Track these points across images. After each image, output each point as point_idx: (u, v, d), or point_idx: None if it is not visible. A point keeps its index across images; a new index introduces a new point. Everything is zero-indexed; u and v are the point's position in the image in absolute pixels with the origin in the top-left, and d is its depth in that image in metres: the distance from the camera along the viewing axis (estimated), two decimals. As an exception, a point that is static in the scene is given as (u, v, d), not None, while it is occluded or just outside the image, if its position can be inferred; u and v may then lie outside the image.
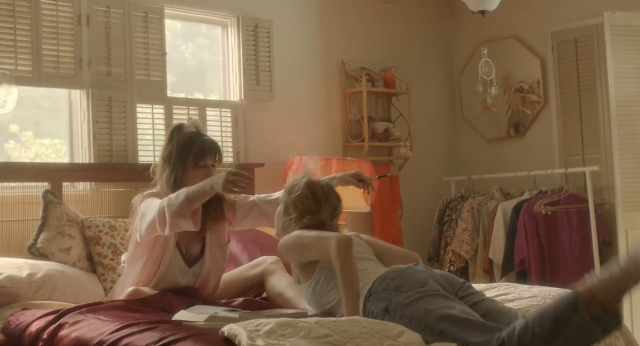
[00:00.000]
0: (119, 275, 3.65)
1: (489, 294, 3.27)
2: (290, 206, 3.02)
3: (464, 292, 2.70)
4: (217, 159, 3.45)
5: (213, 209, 3.39)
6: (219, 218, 3.45)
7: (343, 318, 2.38)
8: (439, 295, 2.57)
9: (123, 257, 3.64)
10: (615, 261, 2.27)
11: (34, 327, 2.96)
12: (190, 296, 3.30)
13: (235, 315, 2.83)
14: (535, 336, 2.29)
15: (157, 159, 4.46)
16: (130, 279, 3.39)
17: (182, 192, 3.14)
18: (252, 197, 3.58)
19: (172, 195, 3.16)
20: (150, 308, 3.08)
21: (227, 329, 2.31)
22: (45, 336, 2.88)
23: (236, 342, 2.23)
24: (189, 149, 3.39)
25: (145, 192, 3.41)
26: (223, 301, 3.36)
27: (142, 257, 3.36)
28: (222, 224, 3.48)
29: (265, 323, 2.31)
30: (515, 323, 2.38)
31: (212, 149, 3.43)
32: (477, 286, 3.65)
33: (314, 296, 2.90)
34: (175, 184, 3.34)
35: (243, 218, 3.57)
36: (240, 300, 3.29)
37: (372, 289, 2.68)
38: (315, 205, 2.98)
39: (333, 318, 2.38)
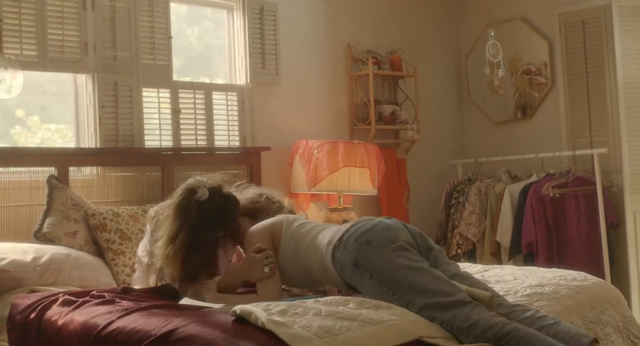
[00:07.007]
0: (135, 270, 3.65)
1: (481, 276, 3.27)
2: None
3: (434, 262, 2.73)
4: None
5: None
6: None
7: (338, 297, 2.49)
8: (408, 257, 2.60)
9: (139, 252, 3.59)
10: None
11: (39, 311, 2.96)
12: None
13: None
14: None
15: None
16: None
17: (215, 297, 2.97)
18: None
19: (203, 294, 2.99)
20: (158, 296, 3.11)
21: (239, 308, 2.35)
22: (51, 319, 2.88)
23: (252, 319, 2.27)
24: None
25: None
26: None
27: None
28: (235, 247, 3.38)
29: (276, 304, 2.38)
30: (518, 311, 2.51)
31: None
32: (474, 267, 3.64)
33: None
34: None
35: None
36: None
37: (342, 237, 2.73)
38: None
39: (332, 299, 2.50)
